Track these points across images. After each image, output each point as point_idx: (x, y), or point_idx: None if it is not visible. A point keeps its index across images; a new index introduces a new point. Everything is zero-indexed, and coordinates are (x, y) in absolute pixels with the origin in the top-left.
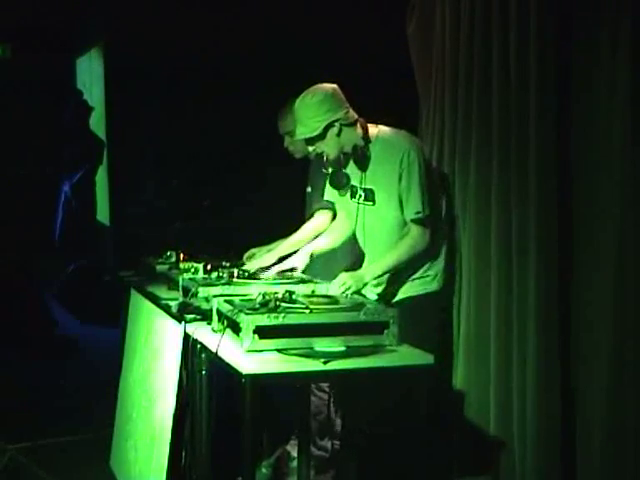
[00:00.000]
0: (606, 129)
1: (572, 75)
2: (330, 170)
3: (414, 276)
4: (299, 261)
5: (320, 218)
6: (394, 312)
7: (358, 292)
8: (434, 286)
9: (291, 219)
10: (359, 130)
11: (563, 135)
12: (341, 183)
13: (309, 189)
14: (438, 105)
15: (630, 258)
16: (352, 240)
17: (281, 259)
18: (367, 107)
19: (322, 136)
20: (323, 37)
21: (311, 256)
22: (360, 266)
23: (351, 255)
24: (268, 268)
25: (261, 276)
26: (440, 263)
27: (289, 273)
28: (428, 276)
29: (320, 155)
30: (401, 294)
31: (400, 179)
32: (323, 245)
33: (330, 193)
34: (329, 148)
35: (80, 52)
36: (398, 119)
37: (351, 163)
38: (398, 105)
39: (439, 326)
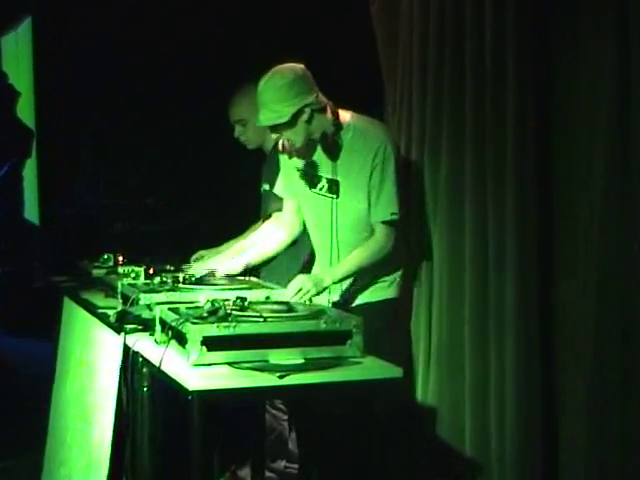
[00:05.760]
0: (590, 112)
1: (553, 57)
2: (295, 159)
3: (370, 282)
4: (233, 268)
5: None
6: (358, 320)
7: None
8: (389, 293)
9: (247, 220)
10: (329, 115)
11: (544, 123)
12: (311, 176)
13: (266, 186)
14: (406, 92)
15: (613, 266)
16: (304, 236)
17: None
18: (330, 94)
19: (291, 123)
20: (280, 19)
21: (248, 265)
22: (312, 264)
23: (303, 253)
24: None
25: (208, 280)
26: (399, 268)
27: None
28: (384, 282)
29: (275, 147)
30: (355, 301)
31: (372, 174)
32: (267, 251)
33: (283, 185)
34: (296, 136)
35: (4, 29)
36: (361, 108)
37: (319, 151)
38: (361, 92)
39: (397, 336)
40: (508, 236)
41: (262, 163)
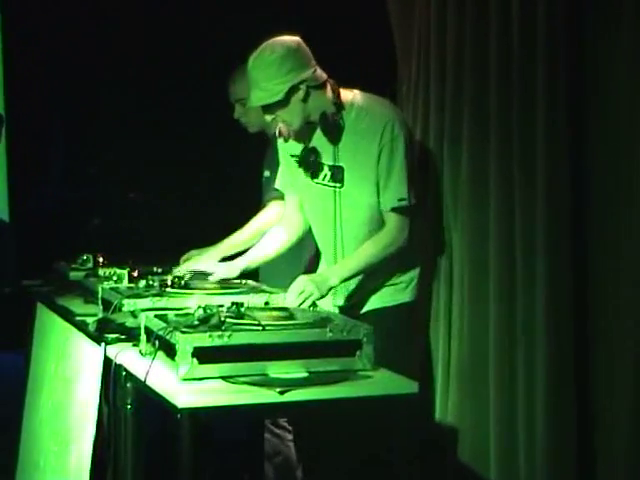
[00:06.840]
0: (632, 92)
1: (589, 31)
2: (294, 146)
3: (383, 283)
4: (228, 272)
5: (275, 210)
6: (368, 329)
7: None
8: (406, 296)
9: (246, 219)
10: (329, 94)
11: (579, 106)
12: (311, 163)
13: (267, 173)
14: (422, 71)
15: None
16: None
17: (225, 260)
18: (337, 73)
19: (284, 102)
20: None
21: (246, 269)
22: (316, 265)
23: (308, 252)
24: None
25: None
26: (416, 268)
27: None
28: (400, 283)
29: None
30: (366, 306)
31: (379, 157)
32: (269, 252)
33: (283, 179)
34: (292, 117)
35: None
36: (371, 88)
37: (318, 134)
38: (371, 70)
39: (414, 346)
40: (538, 235)
41: (262, 158)
